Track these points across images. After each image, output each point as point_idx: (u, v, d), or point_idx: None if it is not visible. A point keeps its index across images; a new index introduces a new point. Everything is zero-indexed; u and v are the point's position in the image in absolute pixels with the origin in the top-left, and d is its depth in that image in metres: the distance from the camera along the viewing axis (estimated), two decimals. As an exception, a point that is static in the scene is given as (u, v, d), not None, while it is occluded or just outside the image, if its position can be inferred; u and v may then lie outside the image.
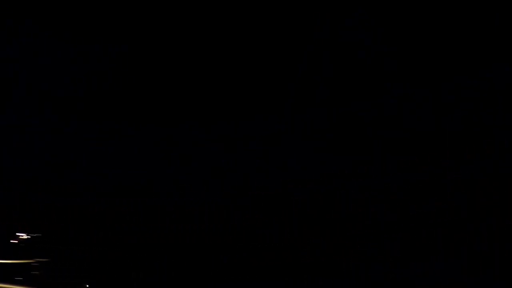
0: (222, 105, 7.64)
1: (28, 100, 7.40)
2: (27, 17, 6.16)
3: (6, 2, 5.95)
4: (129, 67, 6.92)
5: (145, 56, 6.81)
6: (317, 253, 11.38)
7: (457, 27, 6.41)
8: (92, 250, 10.49)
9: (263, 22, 6.28)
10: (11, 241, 9.98)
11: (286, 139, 8.37)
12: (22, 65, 6.84)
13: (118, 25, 6.35)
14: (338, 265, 10.94)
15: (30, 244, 10.09)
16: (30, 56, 6.72)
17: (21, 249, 10.09)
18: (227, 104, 7.64)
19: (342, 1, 6.04)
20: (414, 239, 11.05)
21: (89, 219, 10.46)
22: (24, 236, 10.06)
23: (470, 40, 6.57)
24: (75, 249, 10.31)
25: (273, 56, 6.77)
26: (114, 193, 9.99)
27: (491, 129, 8.30)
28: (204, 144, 8.51)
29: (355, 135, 8.42)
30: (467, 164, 10.36)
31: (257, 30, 6.41)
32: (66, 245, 10.24)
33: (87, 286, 9.78)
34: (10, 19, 6.15)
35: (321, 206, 11.37)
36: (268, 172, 9.78)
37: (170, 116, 7.88)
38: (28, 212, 10.19)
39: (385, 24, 6.31)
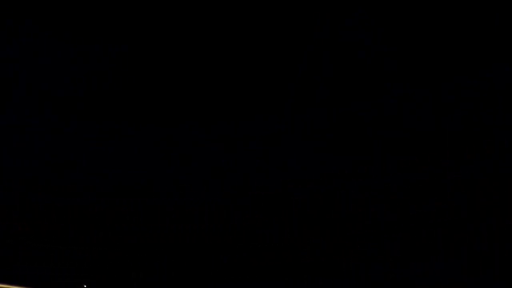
0: (222, 105, 7.65)
1: (28, 100, 7.40)
2: (27, 17, 6.16)
3: (6, 2, 5.95)
4: (129, 67, 6.92)
5: (145, 56, 6.81)
6: (317, 253, 11.36)
7: (457, 27, 6.41)
8: (92, 250, 10.48)
9: (263, 22, 6.28)
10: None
11: (286, 139, 8.37)
12: (22, 65, 6.85)
13: (118, 25, 6.35)
14: (338, 265, 10.93)
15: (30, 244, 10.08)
16: (30, 56, 6.72)
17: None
18: (227, 104, 7.64)
19: (342, 1, 6.04)
20: (414, 239, 11.05)
21: (89, 219, 10.46)
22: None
23: (470, 40, 6.57)
24: (75, 249, 10.31)
25: (273, 56, 6.77)
26: (114, 193, 9.99)
27: (491, 129, 8.31)
28: (204, 144, 8.52)
29: (355, 135, 8.43)
30: (467, 164, 10.35)
31: (257, 30, 6.41)
32: (66, 245, 10.24)
33: (85, 286, 9.78)
34: (10, 19, 6.16)
35: (321, 206, 11.37)
36: (268, 172, 9.78)
37: (170, 116, 7.88)
38: (28, 212, 10.18)
39: (385, 24, 6.32)
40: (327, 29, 6.33)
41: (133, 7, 6.10)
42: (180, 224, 10.72)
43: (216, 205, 10.36)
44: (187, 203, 10.21)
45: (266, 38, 6.52)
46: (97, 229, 10.33)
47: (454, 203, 10.94)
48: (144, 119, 7.89)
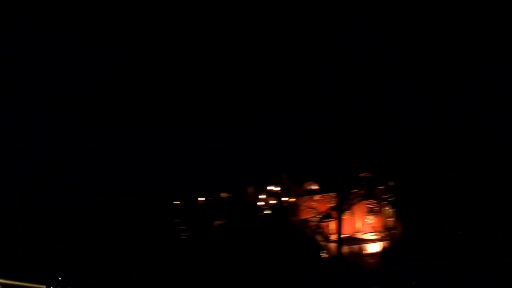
0: (222, 105, 7.66)
1: (28, 100, 7.42)
2: (27, 17, 6.17)
3: (6, 2, 5.95)
4: (129, 67, 6.93)
5: (145, 56, 6.82)
6: (317, 253, 11.37)
7: (457, 28, 6.41)
8: (92, 250, 10.50)
9: (264, 22, 6.28)
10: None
11: (286, 139, 8.39)
12: (22, 65, 6.87)
13: (118, 25, 6.36)
14: (338, 265, 10.95)
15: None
16: (30, 56, 6.74)
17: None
18: (227, 104, 7.66)
19: (342, 1, 6.05)
20: (414, 239, 11.06)
21: (89, 219, 10.47)
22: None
23: (470, 40, 6.58)
24: (75, 249, 10.33)
25: (273, 56, 6.78)
26: (114, 193, 10.01)
27: (491, 129, 8.31)
28: (204, 144, 8.54)
29: (355, 135, 8.43)
30: (467, 164, 10.29)
31: (257, 30, 6.41)
32: (66, 245, 10.25)
33: (60, 278, 9.74)
34: (10, 19, 6.16)
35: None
36: (268, 172, 9.79)
37: (170, 116, 7.90)
38: (28, 212, 10.20)
39: (385, 24, 6.33)
40: (327, 29, 6.35)
41: (133, 7, 6.09)
42: (180, 224, 10.69)
43: (216, 205, 10.33)
44: (187, 203, 10.19)
45: (266, 38, 6.52)
46: (97, 229, 10.34)
47: (454, 202, 10.90)
48: (144, 119, 7.91)
